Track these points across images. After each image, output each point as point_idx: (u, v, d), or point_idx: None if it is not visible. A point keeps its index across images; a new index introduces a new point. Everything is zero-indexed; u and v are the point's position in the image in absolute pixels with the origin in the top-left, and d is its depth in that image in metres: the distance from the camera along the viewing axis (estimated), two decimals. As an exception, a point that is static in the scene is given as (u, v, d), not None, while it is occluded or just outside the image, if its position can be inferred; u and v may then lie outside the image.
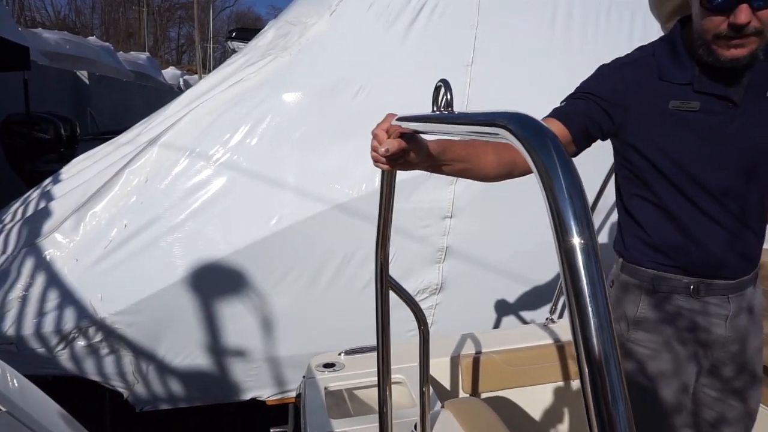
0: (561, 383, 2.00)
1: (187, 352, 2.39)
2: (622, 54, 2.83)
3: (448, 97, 0.76)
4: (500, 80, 2.51)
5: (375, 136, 0.98)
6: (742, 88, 1.17)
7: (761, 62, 1.15)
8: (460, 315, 2.57)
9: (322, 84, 2.43)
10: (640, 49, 1.29)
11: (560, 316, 2.69)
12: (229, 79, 2.63)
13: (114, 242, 2.23)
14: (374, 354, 1.96)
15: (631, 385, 1.33)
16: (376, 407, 1.73)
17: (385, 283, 1.10)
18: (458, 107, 2.87)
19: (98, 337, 2.23)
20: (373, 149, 0.98)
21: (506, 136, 0.54)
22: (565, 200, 0.47)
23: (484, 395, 1.91)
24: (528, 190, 2.57)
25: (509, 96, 2.52)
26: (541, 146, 0.50)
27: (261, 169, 2.34)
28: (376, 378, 1.83)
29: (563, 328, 2.06)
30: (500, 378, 1.90)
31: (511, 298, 2.58)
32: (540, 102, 2.56)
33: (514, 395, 1.94)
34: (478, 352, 1.90)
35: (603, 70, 1.31)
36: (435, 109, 0.77)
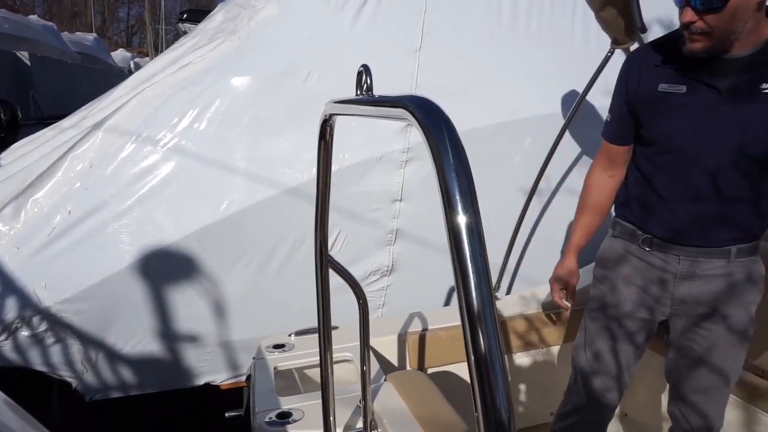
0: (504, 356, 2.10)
1: (138, 338, 2.37)
2: (565, 41, 2.93)
3: (369, 81, 0.80)
4: (449, 66, 2.56)
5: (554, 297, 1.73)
6: (731, 78, 1.28)
7: (761, 55, 1.25)
8: (410, 296, 2.64)
9: (271, 68, 2.42)
10: (660, 38, 1.45)
11: (508, 293, 2.80)
12: (177, 63, 2.58)
13: (58, 229, 2.18)
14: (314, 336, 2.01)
15: (588, 313, 1.60)
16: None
17: (324, 263, 1.14)
18: (407, 92, 2.97)
19: (43, 327, 2.19)
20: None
21: (408, 117, 0.58)
22: (453, 179, 0.51)
23: (430, 370, 1.99)
24: (475, 170, 2.66)
25: (457, 81, 2.58)
26: (435, 127, 0.55)
27: (210, 154, 2.33)
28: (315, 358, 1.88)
29: (506, 305, 2.16)
30: (445, 353, 1.98)
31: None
32: (488, 86, 2.65)
33: (459, 369, 2.03)
34: (425, 329, 1.97)
35: (623, 66, 1.51)
36: (358, 92, 0.81)
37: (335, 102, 0.89)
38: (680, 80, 1.33)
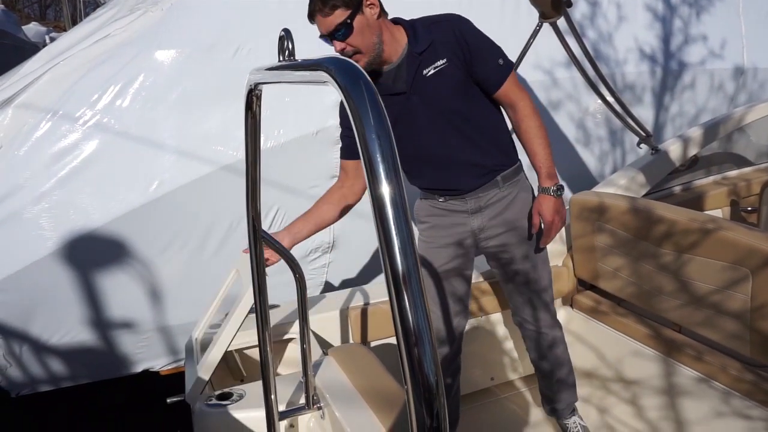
0: (444, 326, 2.15)
1: (67, 328, 2.25)
2: (495, 15, 2.95)
3: (290, 46, 0.78)
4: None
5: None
6: (403, 79, 1.58)
7: (409, 52, 1.56)
8: (352, 272, 2.65)
9: (198, 42, 2.32)
10: None
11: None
12: (94, 35, 2.42)
13: (-32, 216, 2.02)
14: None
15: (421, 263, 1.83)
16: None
17: (258, 239, 1.12)
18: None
19: (-42, 321, 2.04)
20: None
21: (328, 80, 0.57)
22: (374, 142, 0.51)
23: (373, 343, 2.02)
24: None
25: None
26: (354, 89, 0.54)
27: (136, 132, 2.21)
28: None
29: (446, 276, 2.20)
30: (388, 326, 2.00)
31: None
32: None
33: (402, 341, 2.06)
34: (366, 304, 1.98)
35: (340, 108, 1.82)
36: (280, 58, 0.79)
37: (258, 70, 0.86)
38: (383, 99, 1.62)
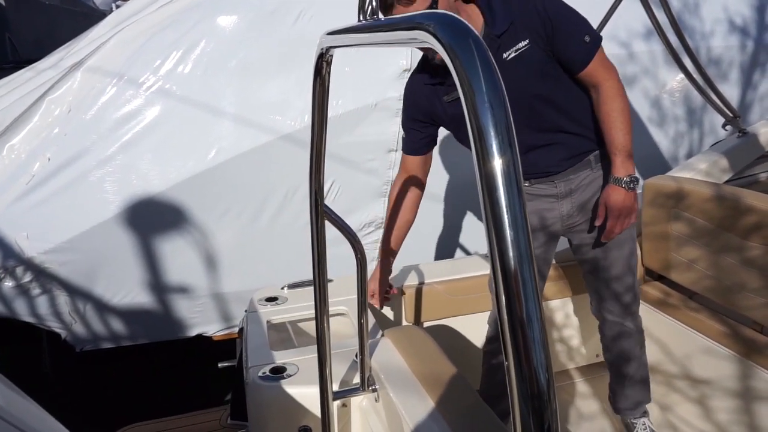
0: (500, 311, 2.08)
1: (127, 289, 2.32)
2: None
3: (374, 3, 0.70)
4: (448, 7, 2.42)
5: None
6: None
7: (487, 34, 1.42)
8: (405, 248, 2.59)
9: (260, 7, 2.27)
10: (417, 67, 1.61)
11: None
12: (159, 1, 2.42)
13: (37, 177, 2.08)
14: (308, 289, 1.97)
15: None
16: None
17: (320, 213, 1.07)
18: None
19: (28, 277, 2.12)
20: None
21: (427, 39, 0.49)
22: (487, 110, 0.43)
23: (426, 324, 1.96)
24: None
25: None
26: (463, 48, 0.46)
27: (196, 99, 2.21)
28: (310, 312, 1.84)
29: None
30: (441, 307, 1.94)
31: (455, 230, 2.62)
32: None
33: (456, 323, 2.00)
34: (421, 283, 1.93)
35: (404, 93, 1.65)
36: (362, 17, 0.71)
37: (333, 33, 0.79)
38: (451, 89, 1.49)
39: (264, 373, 1.40)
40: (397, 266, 2.08)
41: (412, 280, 1.95)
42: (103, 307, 2.31)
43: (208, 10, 2.27)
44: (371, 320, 1.65)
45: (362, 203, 2.48)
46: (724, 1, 2.92)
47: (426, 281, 1.95)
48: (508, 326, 0.42)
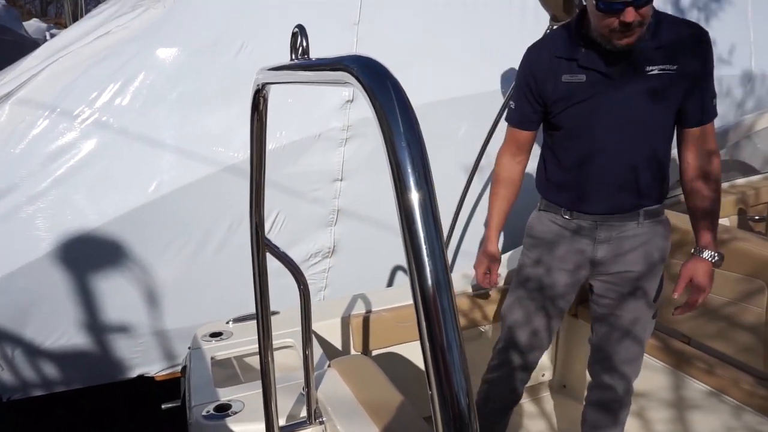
0: (448, 335, 2.11)
1: (61, 332, 2.20)
2: (504, 17, 2.92)
3: (305, 43, 0.73)
4: (389, 41, 2.49)
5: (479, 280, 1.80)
6: (622, 66, 1.42)
7: (644, 41, 1.39)
8: (353, 277, 2.60)
9: (200, 40, 2.27)
10: (547, 35, 1.63)
11: (451, 271, 2.81)
12: (95, 32, 2.37)
13: (-39, 215, 1.97)
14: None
15: (521, 280, 1.74)
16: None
17: (261, 246, 1.07)
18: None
19: (-51, 323, 1.98)
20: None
21: (350, 80, 0.52)
22: (404, 149, 0.46)
23: (375, 352, 1.97)
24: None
25: (399, 57, 2.52)
26: (381, 90, 0.49)
27: (135, 132, 2.16)
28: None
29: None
30: (390, 334, 1.95)
31: (402, 256, 2.65)
32: (429, 62, 2.61)
33: (405, 350, 2.01)
34: (368, 311, 1.93)
35: (522, 59, 1.61)
36: (293, 56, 0.74)
37: (269, 69, 0.81)
38: (579, 71, 1.46)
39: (208, 411, 1.36)
40: (345, 296, 2.08)
41: (359, 309, 1.95)
42: (34, 352, 2.18)
43: (148, 41, 2.25)
44: (318, 351, 1.64)
45: (308, 233, 2.48)
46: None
47: (373, 309, 1.96)
48: (429, 353, 0.44)
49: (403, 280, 2.70)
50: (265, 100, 0.91)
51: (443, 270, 0.44)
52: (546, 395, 2.42)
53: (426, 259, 0.44)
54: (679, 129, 1.50)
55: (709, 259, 1.45)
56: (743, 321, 1.67)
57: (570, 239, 1.59)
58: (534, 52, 1.56)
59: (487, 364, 1.85)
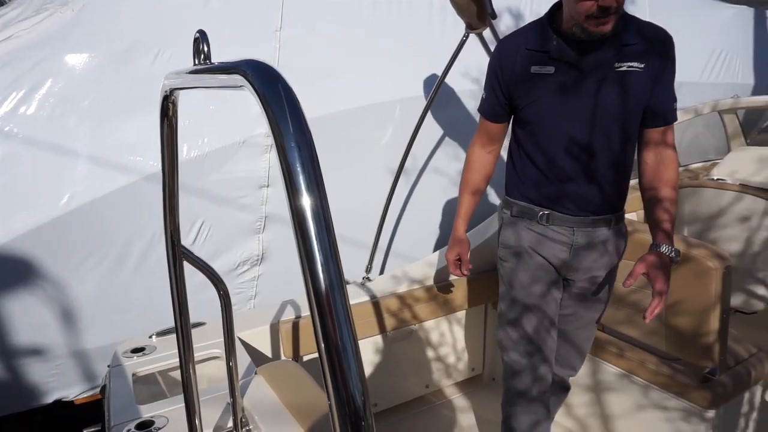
0: (378, 336, 2.14)
1: (-35, 359, 2.04)
2: (424, 25, 3.00)
3: (206, 49, 0.73)
4: (311, 47, 2.50)
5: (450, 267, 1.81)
6: (591, 60, 1.43)
7: (613, 37, 1.40)
8: (284, 283, 2.57)
9: (113, 46, 2.18)
10: (528, 24, 1.56)
11: (382, 271, 2.85)
12: (-5, 37, 2.22)
13: None
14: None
15: (502, 295, 1.70)
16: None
17: (178, 255, 1.05)
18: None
19: None
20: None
21: (245, 84, 0.53)
22: (294, 152, 0.47)
23: (306, 357, 1.96)
24: (344, 151, 2.64)
25: (322, 63, 2.53)
26: (273, 94, 0.50)
27: (43, 142, 2.04)
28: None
29: (379, 285, 2.19)
30: (321, 339, 1.95)
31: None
32: (353, 69, 2.64)
33: (336, 353, 2.02)
34: (298, 317, 1.93)
35: (493, 52, 1.60)
36: (196, 61, 0.74)
37: (173, 74, 0.80)
38: (549, 62, 1.45)
39: (129, 430, 1.31)
40: (274, 303, 2.06)
41: (288, 315, 1.94)
42: (-67, 382, 2.01)
43: (55, 47, 2.14)
44: (246, 359, 1.62)
45: (236, 241, 2.44)
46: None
47: (303, 314, 1.95)
48: (325, 353, 0.45)
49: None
50: (174, 106, 0.90)
51: (336, 269, 0.46)
52: (478, 389, 2.50)
53: (318, 259, 0.46)
54: (641, 130, 1.51)
55: (666, 253, 1.43)
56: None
57: (548, 246, 1.56)
58: (504, 45, 1.55)
59: (503, 398, 1.77)
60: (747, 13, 5.00)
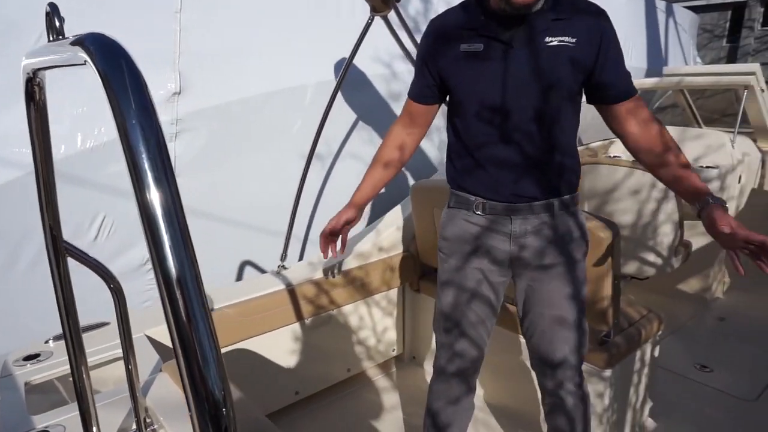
0: (296, 324, 2.12)
1: None
2: (333, 9, 2.97)
3: (58, 24, 0.67)
4: (215, 30, 2.40)
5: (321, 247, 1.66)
6: (519, 33, 1.37)
7: (543, 12, 1.36)
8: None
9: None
10: (458, 5, 1.49)
11: (301, 259, 2.83)
12: None
13: None
14: (93, 333, 1.78)
15: (440, 286, 1.62)
16: (99, 389, 1.58)
17: (60, 250, 0.98)
18: (169, 57, 2.66)
19: None
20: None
21: (87, 60, 0.49)
22: (139, 140, 0.45)
23: (221, 350, 1.92)
24: (254, 139, 2.58)
25: (228, 46, 2.44)
26: (114, 71, 0.46)
27: None
28: (95, 358, 1.67)
29: (295, 272, 2.17)
30: (235, 331, 1.91)
31: (247, 251, 2.60)
32: (261, 53, 2.57)
33: (252, 344, 1.99)
34: (210, 309, 1.88)
35: (427, 29, 1.51)
36: (50, 38, 0.68)
37: (30, 54, 0.73)
38: (478, 39, 1.40)
39: None
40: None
41: (200, 309, 1.88)
42: None
43: None
44: (154, 356, 1.56)
45: (142, 236, 2.32)
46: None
47: (215, 307, 1.90)
48: (179, 346, 0.44)
49: (252, 274, 2.66)
50: (42, 89, 0.83)
51: (187, 257, 0.44)
52: (399, 369, 2.55)
53: (169, 254, 0.44)
54: (608, 111, 1.45)
55: (720, 202, 1.31)
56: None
57: (486, 237, 1.49)
58: (434, 24, 1.49)
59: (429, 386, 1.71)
60: (639, 1, 5.36)
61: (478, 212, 1.48)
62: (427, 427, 1.70)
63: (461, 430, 1.67)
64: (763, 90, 3.15)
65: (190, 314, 0.44)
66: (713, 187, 2.98)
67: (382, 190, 1.74)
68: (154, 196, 0.44)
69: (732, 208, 3.17)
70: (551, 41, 1.35)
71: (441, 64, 1.46)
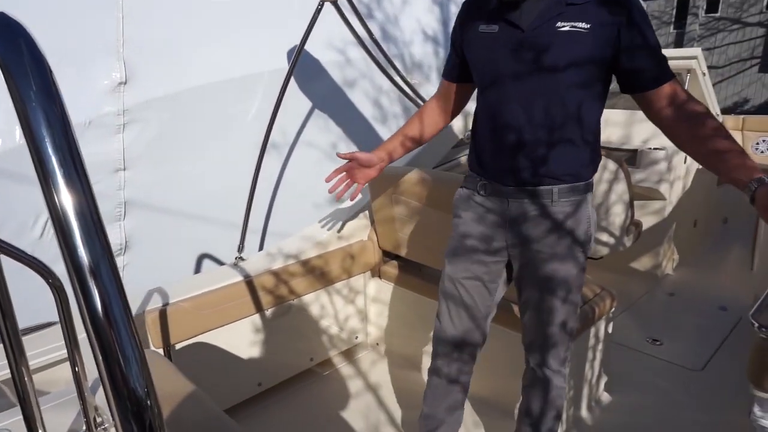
0: (256, 315, 2.10)
1: None
2: (277, 2, 2.91)
3: None
4: (160, 18, 2.33)
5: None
6: (533, 19, 1.37)
7: (561, 2, 1.33)
8: (153, 272, 2.43)
9: None
10: None
11: (261, 249, 2.79)
12: None
13: None
14: (43, 332, 1.72)
15: (446, 259, 1.66)
16: (50, 389, 1.53)
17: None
18: (112, 46, 2.55)
19: None
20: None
21: None
22: (43, 131, 0.41)
23: (178, 346, 1.88)
24: (207, 129, 2.52)
25: (174, 35, 2.37)
26: (11, 53, 0.41)
27: None
28: (44, 358, 1.62)
29: (253, 264, 2.14)
30: (192, 325, 1.88)
31: (203, 244, 2.55)
32: (210, 41, 2.50)
33: (210, 338, 1.96)
34: (165, 304, 1.84)
35: (460, 9, 1.56)
36: None
37: None
38: (494, 21, 1.42)
39: None
40: (137, 292, 1.94)
41: (155, 303, 1.84)
42: None
43: None
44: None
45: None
46: (417, 14, 3.41)
47: (171, 301, 1.86)
48: (96, 342, 0.42)
49: (210, 267, 2.61)
50: None
51: (103, 252, 0.42)
52: (362, 356, 2.56)
53: (80, 241, 0.41)
54: (642, 100, 1.40)
55: None
56: None
57: (486, 219, 1.52)
58: (464, 5, 1.55)
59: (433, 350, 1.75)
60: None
61: (481, 192, 1.52)
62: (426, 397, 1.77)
63: (458, 403, 1.76)
64: (704, 74, 3.27)
65: (108, 312, 0.42)
66: (660, 168, 3.08)
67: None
68: (63, 189, 0.41)
69: (678, 188, 3.30)
70: (563, 26, 1.33)
71: (464, 41, 1.51)
